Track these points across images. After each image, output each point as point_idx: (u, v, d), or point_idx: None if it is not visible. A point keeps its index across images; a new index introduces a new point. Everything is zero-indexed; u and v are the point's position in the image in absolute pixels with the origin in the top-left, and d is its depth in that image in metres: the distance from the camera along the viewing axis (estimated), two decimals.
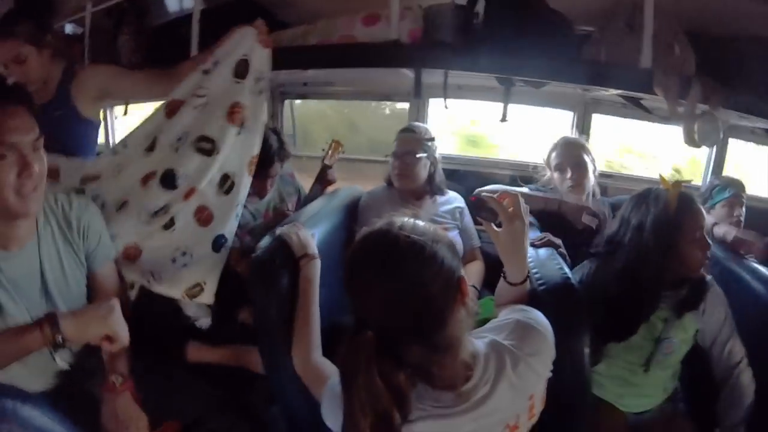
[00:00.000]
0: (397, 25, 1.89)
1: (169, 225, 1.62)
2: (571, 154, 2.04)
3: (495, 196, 1.18)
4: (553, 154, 2.10)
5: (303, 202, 2.28)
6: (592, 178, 2.05)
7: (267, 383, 1.49)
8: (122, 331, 1.18)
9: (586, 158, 2.04)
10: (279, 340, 1.32)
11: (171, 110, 1.66)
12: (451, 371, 0.90)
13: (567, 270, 1.39)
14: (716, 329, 1.51)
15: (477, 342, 0.96)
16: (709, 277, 1.52)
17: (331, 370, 1.09)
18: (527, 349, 0.96)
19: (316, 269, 1.36)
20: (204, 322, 1.75)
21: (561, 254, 1.59)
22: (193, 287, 1.60)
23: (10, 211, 1.14)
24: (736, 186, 2.16)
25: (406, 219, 0.92)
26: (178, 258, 1.63)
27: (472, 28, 1.95)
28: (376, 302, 0.87)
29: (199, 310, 1.73)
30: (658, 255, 1.41)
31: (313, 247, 1.40)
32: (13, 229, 1.20)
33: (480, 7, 1.97)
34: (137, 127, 1.70)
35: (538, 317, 1.05)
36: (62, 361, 1.30)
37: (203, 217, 1.66)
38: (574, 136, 2.13)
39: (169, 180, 1.60)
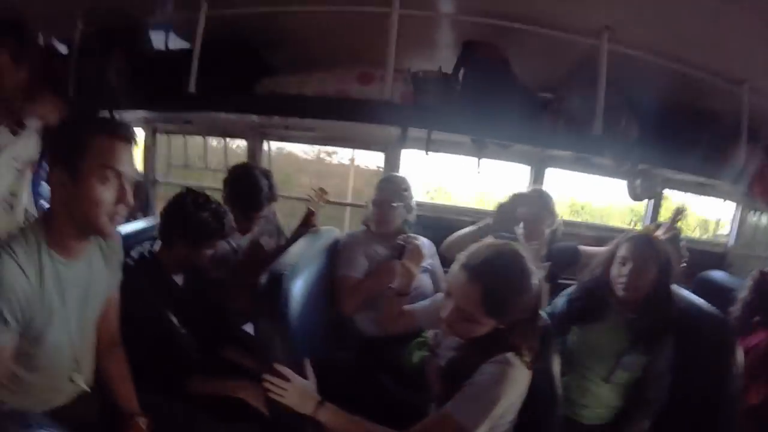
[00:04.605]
0: (391, 86, 2.12)
1: None
2: (531, 211, 2.20)
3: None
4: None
5: (286, 244, 2.33)
6: (545, 231, 2.23)
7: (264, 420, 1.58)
8: None
9: (544, 216, 2.21)
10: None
11: None
12: None
13: None
14: (666, 367, 1.81)
15: None
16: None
17: None
18: None
19: (331, 412, 1.33)
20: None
21: None
22: None
23: (96, 229, 1.23)
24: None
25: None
26: None
27: (454, 94, 2.22)
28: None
29: (192, 342, 1.77)
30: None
31: (313, 392, 1.38)
32: (83, 242, 1.29)
33: (460, 76, 2.26)
34: None
35: None
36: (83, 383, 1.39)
37: None
38: (542, 191, 2.34)
39: None
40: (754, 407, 1.88)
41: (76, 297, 1.30)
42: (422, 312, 1.71)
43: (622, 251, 1.82)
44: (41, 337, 1.21)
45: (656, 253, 1.78)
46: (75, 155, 1.16)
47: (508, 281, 1.22)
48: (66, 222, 1.22)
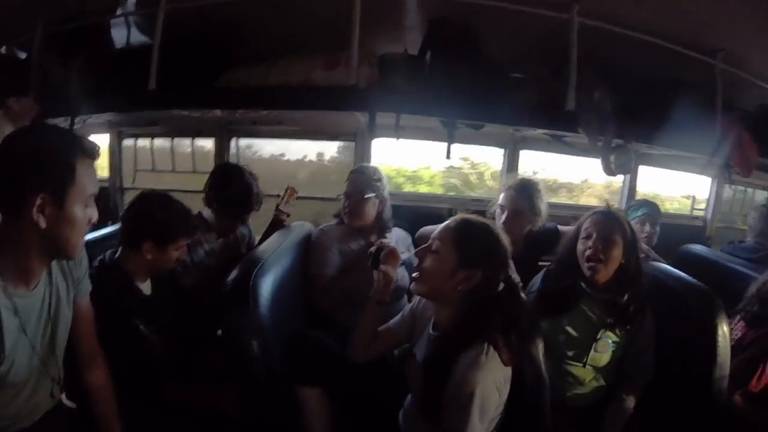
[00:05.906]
0: (356, 71, 2.04)
1: None
2: (512, 202, 2.13)
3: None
4: (502, 194, 2.19)
5: (258, 244, 2.30)
6: (525, 227, 2.15)
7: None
8: None
9: (525, 207, 2.12)
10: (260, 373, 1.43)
11: None
12: None
13: None
14: (646, 342, 1.78)
15: None
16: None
17: None
18: None
19: None
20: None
21: None
22: None
23: (70, 252, 1.19)
24: (648, 206, 2.53)
25: None
26: None
27: (422, 76, 2.15)
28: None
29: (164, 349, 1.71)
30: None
31: None
32: (44, 267, 1.23)
33: (427, 57, 2.19)
34: None
35: None
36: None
37: None
38: (528, 179, 2.22)
39: None
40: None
41: (38, 321, 1.25)
42: (396, 326, 1.65)
43: (585, 226, 1.82)
44: (6, 364, 1.15)
45: (619, 225, 1.77)
46: (65, 181, 1.12)
47: (479, 229, 1.41)
48: (33, 250, 1.15)
